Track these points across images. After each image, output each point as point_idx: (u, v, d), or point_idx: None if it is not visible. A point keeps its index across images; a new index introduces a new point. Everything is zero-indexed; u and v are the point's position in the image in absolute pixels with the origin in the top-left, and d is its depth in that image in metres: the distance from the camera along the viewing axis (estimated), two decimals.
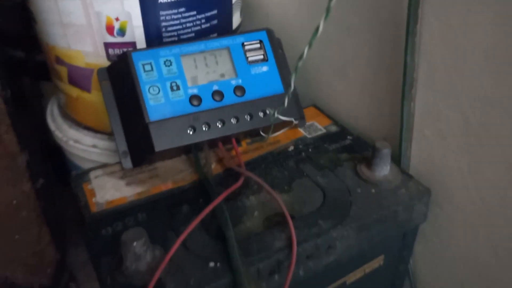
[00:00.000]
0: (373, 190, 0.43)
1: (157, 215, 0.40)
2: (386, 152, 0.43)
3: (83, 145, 0.54)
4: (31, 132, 0.65)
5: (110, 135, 0.53)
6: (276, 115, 0.43)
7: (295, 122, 0.45)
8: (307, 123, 0.53)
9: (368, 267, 0.45)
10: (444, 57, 0.40)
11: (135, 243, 0.33)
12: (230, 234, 0.37)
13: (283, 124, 0.46)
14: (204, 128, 0.43)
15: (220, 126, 0.44)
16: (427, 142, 0.45)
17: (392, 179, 0.44)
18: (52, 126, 0.57)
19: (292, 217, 0.40)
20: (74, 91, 0.52)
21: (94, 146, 0.53)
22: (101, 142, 0.53)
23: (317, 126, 0.53)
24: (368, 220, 0.40)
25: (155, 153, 0.42)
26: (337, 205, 0.41)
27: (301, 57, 0.34)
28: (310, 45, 0.33)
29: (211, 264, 0.36)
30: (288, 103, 0.42)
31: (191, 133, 0.43)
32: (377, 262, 0.46)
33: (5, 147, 0.56)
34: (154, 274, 0.33)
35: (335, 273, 0.43)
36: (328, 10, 0.30)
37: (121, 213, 0.40)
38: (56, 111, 0.59)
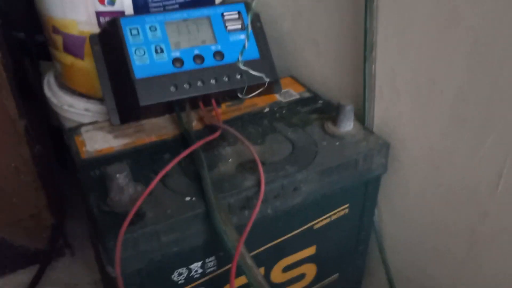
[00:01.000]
0: (337, 143, 0.48)
1: (141, 161, 0.45)
2: (349, 108, 0.48)
3: (76, 109, 0.58)
4: (30, 104, 0.70)
5: (101, 100, 0.58)
6: (243, 67, 0.47)
7: (266, 79, 0.49)
8: (283, 90, 0.58)
9: (334, 215, 0.50)
10: (396, 20, 0.45)
11: (118, 175, 0.38)
12: (205, 173, 0.41)
13: (258, 86, 0.51)
14: (185, 87, 0.48)
15: (200, 85, 0.49)
16: (385, 100, 0.49)
17: (355, 133, 0.49)
18: (48, 93, 0.62)
19: (263, 164, 0.44)
20: (69, 59, 0.57)
21: (86, 110, 0.58)
22: (93, 106, 0.58)
23: (292, 92, 0.58)
24: (331, 166, 0.45)
25: (140, 108, 0.47)
26: (303, 155, 0.46)
27: None
28: None
29: (187, 198, 0.40)
30: (260, 67, 0.47)
31: (173, 90, 0.48)
32: (342, 211, 0.50)
33: (5, 112, 0.61)
34: (133, 205, 0.38)
35: (302, 217, 0.47)
36: None
37: (108, 159, 0.45)
38: (52, 81, 0.64)
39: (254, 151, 0.44)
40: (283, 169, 0.44)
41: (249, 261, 0.38)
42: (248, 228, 0.38)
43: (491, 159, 0.41)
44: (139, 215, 0.38)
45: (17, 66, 0.72)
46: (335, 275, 0.57)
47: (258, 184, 0.42)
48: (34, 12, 0.59)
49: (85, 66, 0.56)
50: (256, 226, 0.43)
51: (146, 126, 0.51)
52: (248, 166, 0.45)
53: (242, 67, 0.46)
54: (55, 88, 0.62)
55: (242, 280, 0.42)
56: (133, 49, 0.48)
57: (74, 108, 0.59)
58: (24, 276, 0.73)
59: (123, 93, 0.49)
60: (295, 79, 0.61)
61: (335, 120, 0.49)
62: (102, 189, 0.40)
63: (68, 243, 0.78)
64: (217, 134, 0.47)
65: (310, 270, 0.53)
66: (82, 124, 0.51)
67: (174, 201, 0.40)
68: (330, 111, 0.53)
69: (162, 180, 0.42)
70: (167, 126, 0.51)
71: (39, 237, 0.73)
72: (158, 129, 0.50)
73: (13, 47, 0.73)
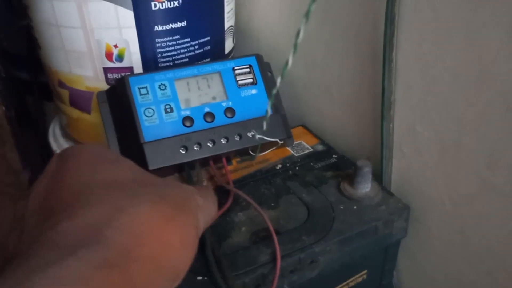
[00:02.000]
0: (355, 207, 0.45)
1: None
2: (367, 170, 0.46)
3: None
4: (35, 149, 0.68)
5: None
6: (258, 136, 0.45)
7: (280, 142, 0.47)
8: (295, 142, 0.56)
9: (352, 282, 0.47)
10: (417, 80, 0.43)
11: None
12: (209, 253, 0.39)
13: (271, 143, 0.49)
14: (195, 148, 0.46)
15: (211, 145, 0.47)
16: (405, 160, 0.47)
17: (373, 196, 0.46)
18: (54, 145, 0.60)
19: (277, 233, 0.42)
20: (75, 113, 0.55)
21: None
22: None
23: (304, 145, 0.56)
24: (350, 234, 0.42)
25: (149, 171, 0.45)
26: (320, 221, 0.44)
27: (286, 63, 0.37)
28: (294, 48, 0.35)
29: (199, 278, 0.38)
30: (272, 124, 0.45)
31: (183, 152, 0.46)
32: (361, 277, 0.48)
33: (9, 165, 0.59)
34: None
35: (319, 287, 0.45)
36: (307, 15, 0.33)
37: None
38: (58, 131, 0.62)
39: (268, 219, 0.42)
40: (299, 240, 0.42)
41: None
42: None
43: None
44: None
45: (20, 106, 0.71)
46: None
47: (274, 259, 0.39)
48: (38, 55, 0.58)
49: (92, 120, 0.55)
50: None
51: None
52: (262, 235, 0.42)
53: (265, 138, 0.45)
54: (61, 139, 0.61)
55: None
56: (142, 110, 0.46)
57: None
58: None
59: (131, 154, 0.47)
60: (307, 128, 0.59)
61: (351, 181, 0.47)
62: None
63: None
64: (228, 203, 0.45)
65: None
66: None
67: (186, 281, 0.38)
68: (345, 168, 0.51)
69: None
70: None
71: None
72: None
73: (16, 87, 0.72)
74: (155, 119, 0.46)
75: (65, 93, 0.54)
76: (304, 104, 0.61)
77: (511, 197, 0.38)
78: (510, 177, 0.38)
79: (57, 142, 0.61)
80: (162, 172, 0.49)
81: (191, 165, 0.49)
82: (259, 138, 0.46)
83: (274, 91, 0.42)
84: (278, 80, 0.39)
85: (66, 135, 0.61)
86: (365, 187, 0.46)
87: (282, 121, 0.50)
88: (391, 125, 0.47)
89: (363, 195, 0.46)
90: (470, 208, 0.42)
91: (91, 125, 0.55)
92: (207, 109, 0.48)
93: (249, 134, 0.48)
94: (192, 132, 0.47)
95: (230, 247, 0.41)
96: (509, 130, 0.37)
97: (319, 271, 0.42)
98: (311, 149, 0.55)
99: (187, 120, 0.47)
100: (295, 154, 0.54)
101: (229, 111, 0.49)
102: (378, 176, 0.49)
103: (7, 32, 0.73)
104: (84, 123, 0.56)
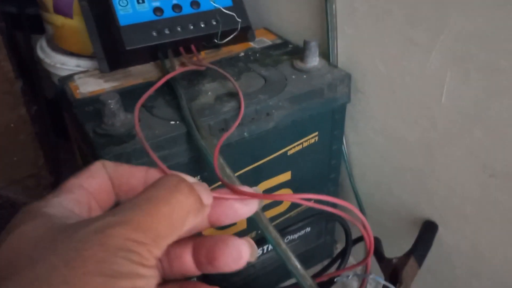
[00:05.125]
0: (304, 76, 0.54)
1: (130, 98, 0.50)
2: (313, 44, 0.53)
3: (68, 66, 0.63)
4: (24, 67, 0.75)
5: (91, 57, 0.63)
6: (216, 5, 0.52)
7: (238, 20, 0.55)
8: (257, 39, 0.63)
9: (306, 142, 0.56)
10: None
11: (109, 101, 0.43)
12: (183, 102, 0.47)
13: (232, 30, 0.57)
14: (166, 32, 0.54)
15: (179, 30, 0.54)
16: (347, 38, 0.55)
17: (321, 68, 0.55)
18: (41, 55, 0.67)
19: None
20: (59, 20, 0.62)
21: (78, 66, 0.63)
22: (84, 63, 0.63)
23: (265, 40, 0.63)
24: (299, 93, 0.51)
25: (126, 52, 0.52)
26: (275, 86, 0.52)
27: None
28: None
29: (172, 122, 0.46)
30: (233, 12, 0.53)
31: (155, 35, 0.53)
32: (313, 138, 0.56)
33: (4, 73, 0.66)
34: (126, 127, 0.44)
35: (277, 142, 0.53)
36: None
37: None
38: (44, 44, 0.69)
39: (234, 81, 0.50)
40: (256, 97, 0.50)
41: (228, 171, 0.43)
42: (224, 137, 0.43)
43: (435, 75, 0.47)
44: (130, 136, 0.44)
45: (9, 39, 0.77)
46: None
47: (235, 109, 0.47)
48: None
49: (75, 25, 0.61)
50: (235, 148, 0.49)
51: (133, 72, 0.56)
52: (225, 97, 0.50)
53: (223, 10, 0.52)
54: (48, 50, 0.67)
55: None
56: (117, 1, 0.53)
57: (66, 66, 0.64)
58: None
59: (110, 41, 0.54)
60: (268, 29, 0.67)
61: (302, 58, 0.55)
62: (97, 119, 0.46)
63: None
64: (202, 67, 0.52)
65: None
66: (75, 73, 0.56)
67: (161, 125, 0.46)
68: (299, 53, 0.59)
69: (149, 111, 0.48)
70: (152, 71, 0.56)
71: (40, 195, 0.78)
72: (143, 73, 0.55)
73: (4, 21, 0.77)
74: (128, 9, 0.53)
75: (49, 1, 0.61)
76: (265, 8, 0.68)
77: (427, 49, 0.46)
78: (428, 33, 0.46)
79: (44, 52, 0.67)
80: (138, 57, 0.56)
81: (164, 53, 0.56)
82: (217, 7, 0.53)
83: None
84: None
85: (53, 47, 0.67)
86: (313, 60, 0.54)
87: (241, 11, 0.58)
88: (334, 6, 0.54)
89: (312, 67, 0.54)
90: (397, 68, 0.51)
91: (74, 30, 0.62)
92: (175, 1, 0.55)
93: (213, 22, 0.56)
94: (163, 19, 0.54)
95: (198, 105, 0.49)
96: None
97: (274, 124, 0.50)
98: (271, 43, 0.63)
99: (157, 10, 0.54)
100: (256, 47, 0.62)
101: (195, 3, 0.56)
102: (326, 56, 0.57)
103: None
104: (68, 29, 0.62)
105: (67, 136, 0.85)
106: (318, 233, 0.67)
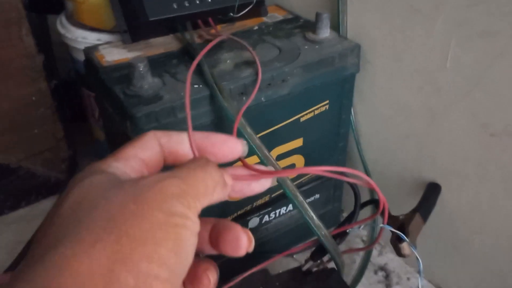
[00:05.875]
0: (316, 46, 0.57)
1: (154, 65, 0.54)
2: (325, 16, 0.57)
3: (89, 40, 0.66)
4: (46, 41, 0.77)
5: (111, 32, 0.66)
6: None
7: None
8: (269, 14, 0.67)
9: (317, 110, 0.59)
10: None
11: (139, 64, 0.47)
12: (205, 68, 0.50)
13: (247, 4, 0.60)
14: (186, 4, 0.57)
15: (198, 3, 0.57)
16: (356, 11, 0.58)
17: (332, 39, 0.58)
18: (62, 30, 0.70)
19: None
20: None
21: (99, 40, 0.66)
22: (104, 36, 0.66)
23: (276, 15, 0.67)
24: (311, 62, 0.54)
25: (149, 22, 0.55)
26: (289, 55, 0.55)
27: None
28: None
29: (196, 85, 0.49)
30: None
31: (176, 7, 0.56)
32: (323, 106, 0.59)
33: (26, 48, 0.69)
34: (154, 89, 0.47)
35: (290, 108, 0.56)
36: None
37: (126, 65, 0.53)
38: (64, 20, 0.71)
39: (252, 49, 0.53)
40: (272, 65, 0.53)
41: (249, 129, 0.47)
42: (247, 103, 0.47)
43: (439, 42, 0.50)
44: (158, 97, 0.47)
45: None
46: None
47: (253, 75, 0.51)
48: None
49: (96, 1, 0.64)
50: (252, 112, 0.52)
51: (154, 43, 0.59)
52: (243, 65, 0.54)
53: None
54: (68, 25, 0.70)
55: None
56: None
57: (87, 40, 0.67)
58: (47, 204, 0.82)
59: (133, 13, 0.57)
60: (279, 6, 0.70)
61: (314, 29, 0.58)
62: (124, 83, 0.49)
63: None
64: (222, 37, 0.55)
65: (298, 161, 0.62)
66: (99, 44, 0.59)
67: (185, 88, 0.49)
68: (310, 27, 0.62)
69: (173, 77, 0.51)
70: (171, 43, 0.59)
71: (58, 168, 0.81)
72: (164, 44, 0.59)
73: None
74: None
75: None
76: None
77: (431, 16, 0.50)
78: (432, 2, 0.49)
79: (65, 28, 0.70)
80: (159, 29, 0.60)
81: (183, 24, 0.59)
82: None
83: None
84: None
85: (73, 23, 0.70)
86: (325, 32, 0.58)
87: None
88: None
89: (323, 38, 0.58)
90: (402, 37, 0.54)
91: (96, 5, 0.65)
92: None
93: None
94: None
95: (218, 71, 0.52)
96: None
97: (289, 90, 0.54)
98: (283, 18, 0.66)
99: None
100: (268, 21, 0.65)
101: None
102: (336, 28, 0.60)
103: None
104: (89, 4, 0.65)
105: (77, 117, 0.89)
106: (326, 200, 0.71)
